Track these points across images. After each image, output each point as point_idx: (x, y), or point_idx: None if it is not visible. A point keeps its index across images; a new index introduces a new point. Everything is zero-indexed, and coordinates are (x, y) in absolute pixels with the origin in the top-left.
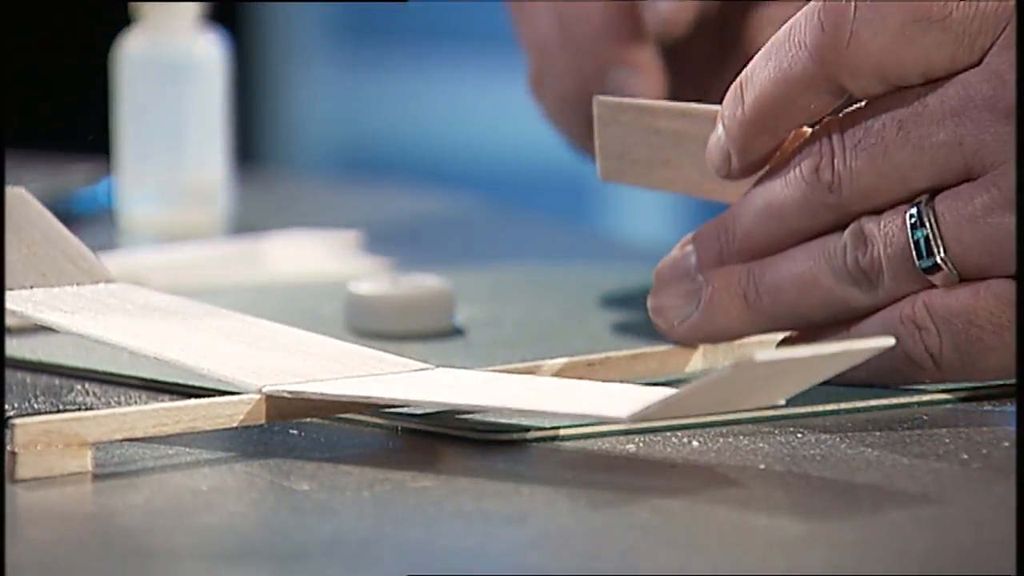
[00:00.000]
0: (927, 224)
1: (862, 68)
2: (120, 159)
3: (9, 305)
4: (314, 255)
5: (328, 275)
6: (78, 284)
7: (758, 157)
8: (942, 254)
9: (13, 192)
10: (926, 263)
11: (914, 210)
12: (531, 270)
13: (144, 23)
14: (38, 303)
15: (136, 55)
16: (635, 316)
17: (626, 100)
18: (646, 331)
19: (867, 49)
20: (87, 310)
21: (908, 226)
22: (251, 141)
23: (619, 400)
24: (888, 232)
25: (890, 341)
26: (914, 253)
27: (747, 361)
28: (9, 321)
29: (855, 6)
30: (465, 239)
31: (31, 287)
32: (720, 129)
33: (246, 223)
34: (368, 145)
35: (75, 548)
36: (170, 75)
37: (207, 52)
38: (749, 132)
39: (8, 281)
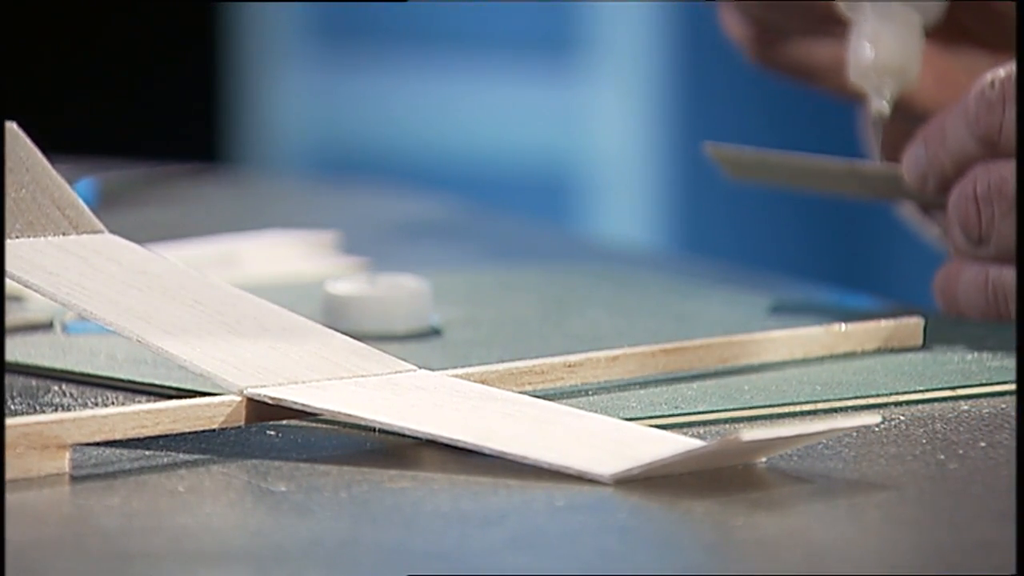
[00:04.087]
0: None
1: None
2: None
3: None
4: (291, 255)
5: (305, 275)
6: (64, 235)
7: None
8: None
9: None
10: None
11: None
12: (508, 271)
13: None
14: (22, 259)
15: None
16: (613, 317)
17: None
18: (625, 332)
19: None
20: (73, 271)
21: None
22: (226, 140)
23: (603, 453)
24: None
25: (876, 419)
26: None
27: (735, 439)
28: None
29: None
30: (442, 239)
31: (16, 237)
32: (923, 152)
33: (222, 223)
34: (345, 145)
35: (52, 549)
36: None
37: None
38: (948, 177)
39: None
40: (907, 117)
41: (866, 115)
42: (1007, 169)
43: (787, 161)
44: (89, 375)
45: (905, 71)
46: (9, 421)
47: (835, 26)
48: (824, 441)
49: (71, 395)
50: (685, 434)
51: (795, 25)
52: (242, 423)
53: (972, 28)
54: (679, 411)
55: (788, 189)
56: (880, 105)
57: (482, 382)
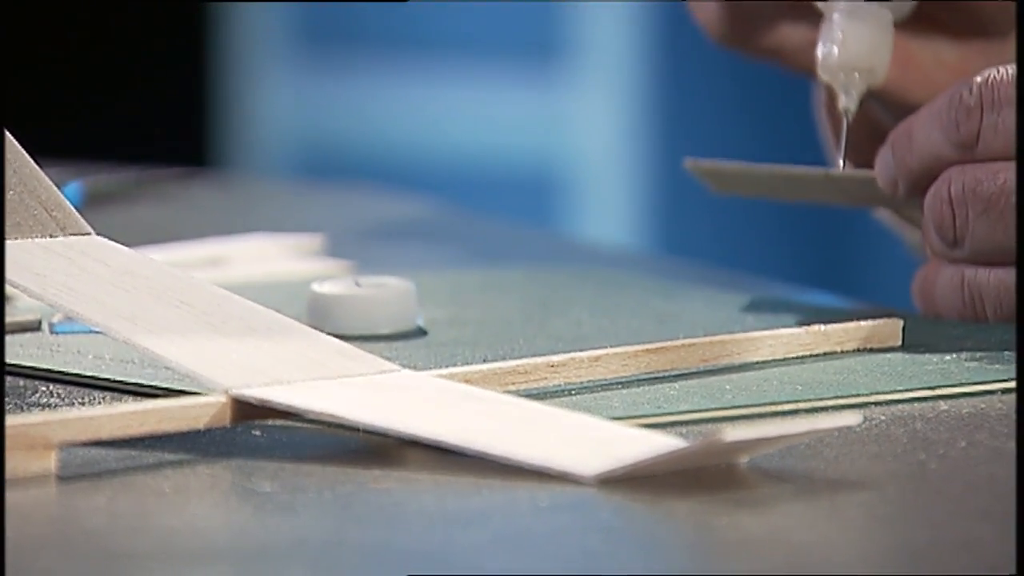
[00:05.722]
0: None
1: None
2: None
3: None
4: (277, 258)
5: (290, 277)
6: (51, 236)
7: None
8: None
9: None
10: None
11: None
12: (493, 272)
13: None
14: (10, 261)
15: None
16: (596, 317)
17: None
18: (607, 333)
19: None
20: (60, 273)
21: None
22: (213, 144)
23: (587, 453)
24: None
25: (857, 419)
26: None
27: (717, 439)
28: None
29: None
30: (427, 241)
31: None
32: (890, 157)
33: (208, 226)
34: (330, 149)
35: (38, 549)
36: None
37: None
38: (917, 180)
39: None
40: (867, 98)
41: (818, 100)
42: (981, 171)
43: (765, 172)
44: (76, 375)
45: (873, 70)
46: None
47: (808, 10)
48: (805, 441)
49: (58, 395)
50: (668, 434)
51: (768, 9)
52: (228, 423)
53: (935, 14)
54: (662, 411)
55: (769, 199)
56: (847, 103)
57: (466, 382)
